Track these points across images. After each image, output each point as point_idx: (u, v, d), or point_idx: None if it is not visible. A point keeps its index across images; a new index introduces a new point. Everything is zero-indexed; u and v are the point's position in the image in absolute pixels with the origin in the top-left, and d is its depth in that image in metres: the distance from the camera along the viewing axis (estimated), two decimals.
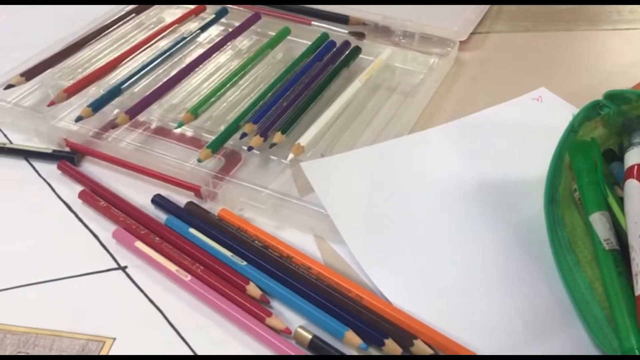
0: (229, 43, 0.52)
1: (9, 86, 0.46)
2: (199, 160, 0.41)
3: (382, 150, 0.41)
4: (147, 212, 0.39)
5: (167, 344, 0.32)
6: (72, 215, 0.39)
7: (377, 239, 0.36)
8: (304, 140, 0.41)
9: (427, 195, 0.38)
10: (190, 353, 0.31)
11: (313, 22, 0.55)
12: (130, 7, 0.57)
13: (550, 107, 0.47)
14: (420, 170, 0.40)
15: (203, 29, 0.54)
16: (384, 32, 0.55)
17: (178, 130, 0.45)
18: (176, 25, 0.55)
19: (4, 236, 0.38)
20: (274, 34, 0.54)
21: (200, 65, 0.49)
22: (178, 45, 0.51)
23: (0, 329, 0.32)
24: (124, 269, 0.36)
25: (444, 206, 0.38)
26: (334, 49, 0.52)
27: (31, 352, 0.31)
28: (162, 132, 0.45)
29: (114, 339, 0.32)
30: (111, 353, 0.31)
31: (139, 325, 0.33)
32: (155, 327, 0.33)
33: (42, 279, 0.35)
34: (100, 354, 0.31)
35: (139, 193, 0.41)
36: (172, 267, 0.35)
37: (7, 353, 0.31)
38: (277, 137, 0.42)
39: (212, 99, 0.46)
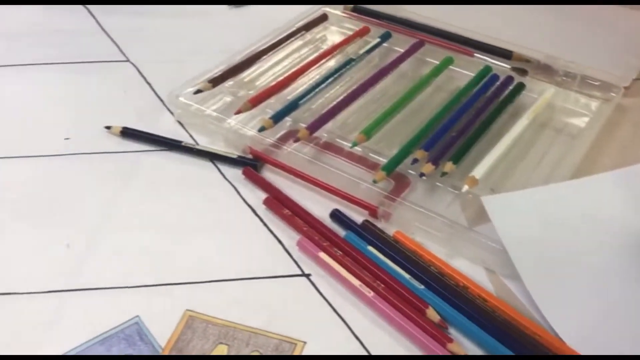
0: (395, 68, 0.55)
1: (198, 91, 0.50)
2: (375, 181, 0.43)
3: (559, 191, 0.42)
4: (326, 224, 0.42)
5: (353, 353, 0.34)
6: (257, 219, 0.42)
7: (553, 278, 0.37)
8: (477, 173, 0.43)
9: (604, 240, 0.39)
10: None
11: (476, 54, 0.56)
12: (309, 17, 0.60)
13: None
14: (597, 214, 0.41)
15: (368, 51, 0.56)
16: (545, 70, 0.55)
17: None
18: (343, 46, 0.57)
19: (194, 230, 0.42)
20: (435, 61, 0.56)
21: (370, 88, 0.52)
22: (347, 67, 0.54)
23: (203, 319, 0.36)
24: (307, 276, 0.39)
25: (621, 252, 0.38)
26: (497, 83, 0.53)
27: (230, 344, 0.35)
28: (330, 147, 0.48)
29: (305, 342, 0.35)
30: (303, 355, 0.34)
31: (326, 332, 0.35)
32: (341, 337, 0.35)
33: (233, 277, 0.38)
34: (293, 354, 0.34)
35: (314, 204, 0.43)
36: (355, 282, 0.37)
37: (209, 342, 0.35)
38: (449, 166, 0.44)
39: (382, 122, 0.48)
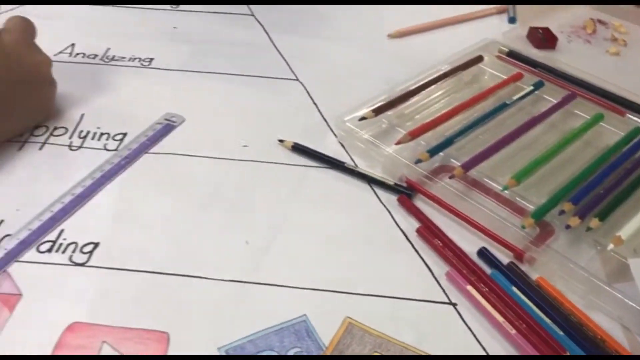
0: (546, 118, 0.57)
1: (362, 118, 0.55)
2: (523, 227, 0.46)
3: None
4: (474, 259, 0.45)
5: None
6: (408, 244, 0.47)
7: None
8: (624, 233, 0.45)
9: None
10: None
11: (627, 114, 0.58)
12: (466, 58, 0.64)
13: None
14: None
15: (521, 97, 0.59)
16: None
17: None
18: (497, 90, 0.61)
19: (352, 244, 0.46)
20: (585, 115, 0.58)
21: (521, 134, 0.55)
22: (500, 111, 0.57)
23: (360, 327, 0.41)
24: (454, 305, 0.43)
25: None
26: None
27: (385, 354, 0.39)
28: (479, 185, 0.52)
29: None
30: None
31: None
32: None
33: (386, 294, 0.43)
34: None
35: (461, 238, 0.47)
36: (499, 318, 0.41)
37: (366, 349, 0.39)
38: (595, 222, 0.46)
39: (533, 170, 0.51)
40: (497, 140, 0.54)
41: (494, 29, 0.74)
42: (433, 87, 0.61)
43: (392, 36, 0.72)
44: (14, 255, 0.44)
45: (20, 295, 0.41)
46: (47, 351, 0.38)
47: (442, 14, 0.76)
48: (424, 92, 0.60)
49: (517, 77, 0.63)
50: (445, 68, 0.63)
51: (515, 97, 0.59)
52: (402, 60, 0.67)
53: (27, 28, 0.54)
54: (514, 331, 0.40)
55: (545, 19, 0.76)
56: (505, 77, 0.63)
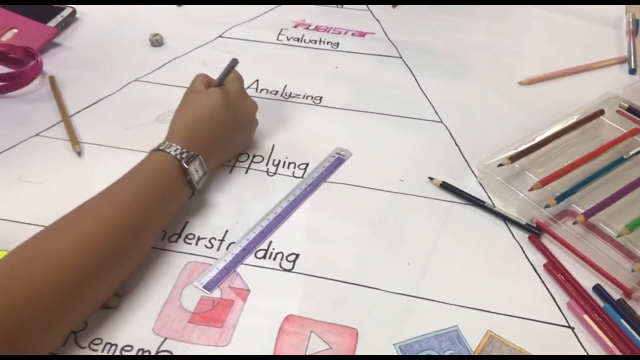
0: None
1: (500, 165, 0.68)
2: (633, 270, 0.57)
3: None
4: (589, 293, 0.57)
5: None
6: (536, 276, 0.59)
7: None
8: None
9: None
10: None
11: None
12: (588, 111, 0.75)
13: None
14: None
15: (638, 152, 0.70)
16: None
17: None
18: (616, 144, 0.71)
19: (490, 272, 0.59)
20: None
21: (636, 187, 0.66)
22: (618, 164, 0.68)
23: (499, 340, 0.54)
24: (572, 329, 0.55)
25: None
26: None
27: None
28: (595, 229, 0.63)
29: None
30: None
31: None
32: None
33: (516, 314, 0.56)
34: None
35: (579, 273, 0.59)
36: (609, 343, 0.53)
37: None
38: None
39: None
40: (614, 192, 0.64)
41: (615, 80, 0.83)
42: (559, 138, 0.72)
43: (522, 83, 0.83)
44: (239, 259, 0.60)
45: (249, 290, 0.57)
46: (274, 334, 0.53)
47: (568, 62, 0.85)
48: (552, 142, 0.72)
49: (634, 132, 0.73)
50: (570, 119, 0.74)
51: (631, 153, 0.69)
52: (531, 107, 0.78)
53: (241, 79, 0.69)
54: (618, 352, 0.52)
55: None
56: (624, 131, 0.73)
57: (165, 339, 0.53)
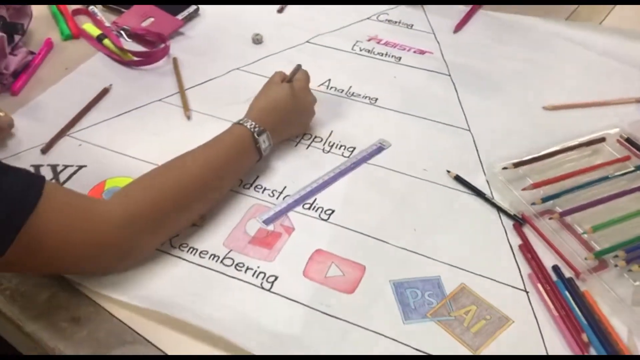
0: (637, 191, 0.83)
1: (504, 168, 0.85)
2: (586, 259, 0.74)
3: None
4: (548, 270, 0.75)
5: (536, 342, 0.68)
6: (511, 253, 0.77)
7: None
8: None
9: None
10: None
11: None
12: (592, 137, 0.91)
13: None
14: None
15: (623, 175, 0.85)
16: None
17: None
18: (606, 166, 0.87)
19: (476, 244, 0.78)
20: None
21: (610, 200, 0.82)
22: (600, 181, 0.84)
23: (468, 290, 0.72)
24: (527, 292, 0.72)
25: None
26: None
27: (477, 306, 0.71)
28: (569, 228, 0.79)
29: (513, 321, 0.69)
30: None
31: (526, 320, 0.70)
32: (534, 326, 0.69)
33: (480, 273, 0.74)
34: (502, 327, 0.69)
35: (546, 257, 0.76)
36: (551, 306, 0.70)
37: (468, 301, 0.71)
38: (635, 267, 0.73)
39: (609, 225, 0.78)
40: (589, 201, 0.81)
41: (629, 116, 0.97)
42: (561, 155, 0.89)
43: (546, 108, 1.00)
44: (291, 207, 0.82)
45: (294, 228, 0.79)
46: (305, 260, 0.75)
47: (590, 95, 1.01)
48: (554, 157, 0.88)
49: (626, 159, 0.88)
50: (575, 142, 0.90)
51: (616, 173, 0.85)
52: (549, 129, 0.94)
53: (307, 77, 0.91)
54: (556, 314, 0.69)
55: None
56: (618, 157, 0.89)
57: (230, 250, 0.76)
